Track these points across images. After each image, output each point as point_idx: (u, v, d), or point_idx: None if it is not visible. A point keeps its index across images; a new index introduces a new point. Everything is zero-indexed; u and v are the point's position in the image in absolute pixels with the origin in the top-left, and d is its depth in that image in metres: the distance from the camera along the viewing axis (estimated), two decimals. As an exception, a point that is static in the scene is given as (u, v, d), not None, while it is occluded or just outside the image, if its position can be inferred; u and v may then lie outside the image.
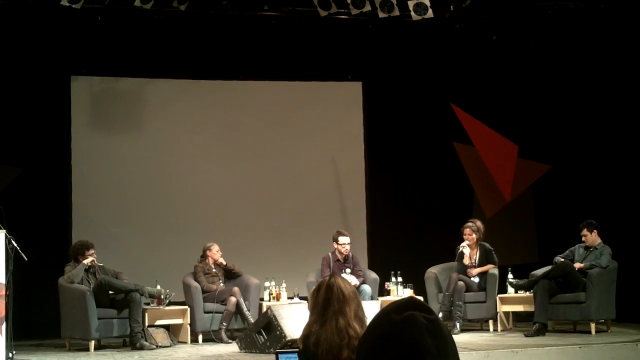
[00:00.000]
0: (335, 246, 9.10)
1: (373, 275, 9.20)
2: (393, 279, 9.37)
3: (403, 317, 1.40)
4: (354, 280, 8.71)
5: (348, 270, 9.00)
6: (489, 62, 10.95)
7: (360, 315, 3.10)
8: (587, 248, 8.66)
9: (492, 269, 9.02)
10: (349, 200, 11.05)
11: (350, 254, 9.15)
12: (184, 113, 10.68)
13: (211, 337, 8.64)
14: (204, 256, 9.17)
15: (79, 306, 8.14)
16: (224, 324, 8.65)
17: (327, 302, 3.09)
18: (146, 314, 8.42)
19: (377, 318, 1.46)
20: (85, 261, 8.38)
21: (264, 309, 8.32)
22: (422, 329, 1.38)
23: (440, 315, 8.48)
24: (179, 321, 8.74)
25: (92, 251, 8.50)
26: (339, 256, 9.10)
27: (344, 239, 9.08)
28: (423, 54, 11.00)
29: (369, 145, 11.18)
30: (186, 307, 8.75)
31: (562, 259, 8.59)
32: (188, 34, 10.25)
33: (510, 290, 9.02)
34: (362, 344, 1.45)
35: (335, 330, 3.02)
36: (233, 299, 8.68)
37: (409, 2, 8.95)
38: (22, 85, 9.96)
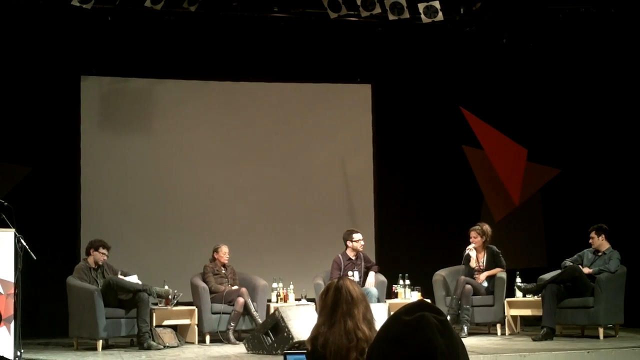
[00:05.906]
0: (350, 245, 9.09)
1: (381, 277, 9.18)
2: (401, 281, 9.36)
3: (414, 318, 1.41)
4: (370, 278, 8.95)
5: (357, 272, 9.00)
6: (498, 66, 10.93)
7: (368, 318, 3.09)
8: (595, 252, 8.62)
9: (500, 273, 9.00)
10: (357, 202, 11.04)
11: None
12: (193, 114, 10.69)
13: (219, 338, 8.64)
14: (213, 257, 9.18)
15: (87, 305, 8.16)
16: (232, 324, 8.65)
17: (336, 303, 3.09)
18: (154, 314, 8.44)
19: (389, 320, 1.47)
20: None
21: (272, 310, 8.31)
22: (433, 329, 1.39)
23: (448, 318, 8.45)
24: (186, 321, 8.75)
25: (104, 251, 8.51)
26: (351, 254, 9.10)
27: (358, 236, 9.13)
28: (433, 57, 10.99)
29: (378, 147, 11.18)
30: (194, 307, 8.76)
31: (571, 263, 8.57)
32: (198, 35, 10.26)
33: (518, 294, 8.98)
34: (374, 345, 1.46)
35: (343, 332, 3.02)
36: (241, 300, 8.68)
37: (419, 5, 8.95)
38: (32, 84, 9.99)
